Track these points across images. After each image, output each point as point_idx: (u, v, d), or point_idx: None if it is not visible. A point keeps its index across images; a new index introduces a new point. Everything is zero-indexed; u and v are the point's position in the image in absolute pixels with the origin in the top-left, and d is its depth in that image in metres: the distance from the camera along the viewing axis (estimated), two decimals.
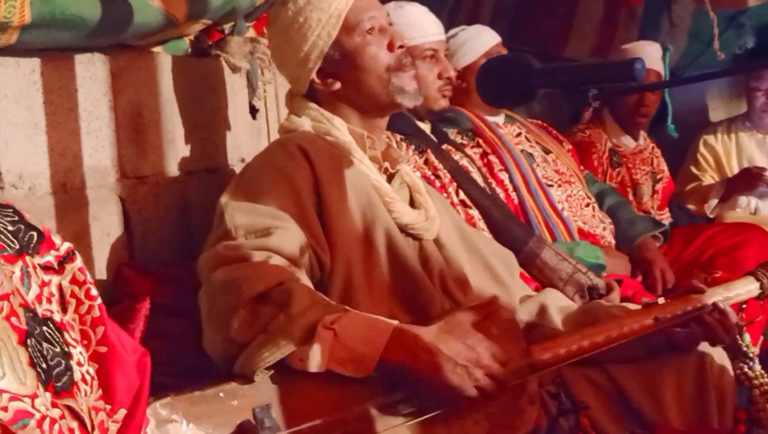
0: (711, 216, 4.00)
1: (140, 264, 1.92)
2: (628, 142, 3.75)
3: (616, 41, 3.93)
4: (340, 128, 1.87)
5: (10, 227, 0.98)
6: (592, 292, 2.26)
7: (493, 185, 2.63)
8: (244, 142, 2.38)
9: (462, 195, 2.44)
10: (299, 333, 1.49)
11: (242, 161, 2.33)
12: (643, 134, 3.80)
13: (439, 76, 2.53)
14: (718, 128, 4.32)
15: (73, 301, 1.03)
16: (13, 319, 0.91)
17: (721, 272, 2.78)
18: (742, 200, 3.97)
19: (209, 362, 1.60)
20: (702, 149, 4.26)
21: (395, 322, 1.57)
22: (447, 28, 2.73)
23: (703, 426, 1.86)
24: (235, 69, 2.24)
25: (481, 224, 2.41)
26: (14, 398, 0.85)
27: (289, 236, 1.68)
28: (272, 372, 1.51)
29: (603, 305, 2.03)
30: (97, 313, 1.04)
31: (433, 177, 2.43)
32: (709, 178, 4.18)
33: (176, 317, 1.79)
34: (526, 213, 2.63)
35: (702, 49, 4.08)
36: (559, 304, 2.05)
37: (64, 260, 1.02)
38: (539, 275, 2.33)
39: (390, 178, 1.93)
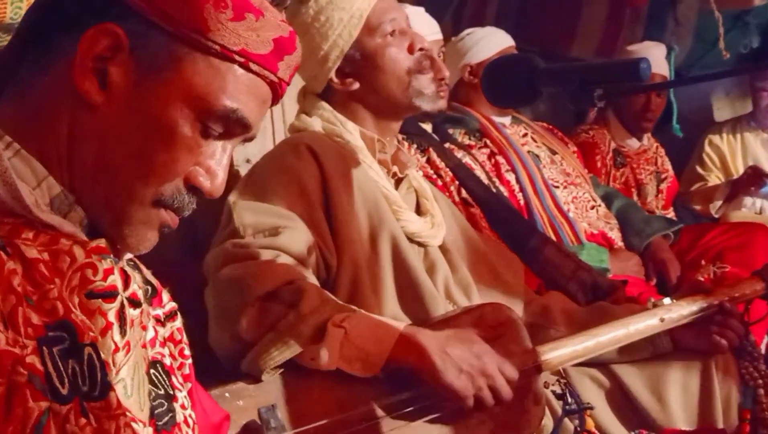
0: (716, 216, 3.98)
1: (144, 263, 1.92)
2: (632, 142, 3.74)
3: (620, 41, 3.92)
4: (353, 132, 1.87)
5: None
6: (596, 290, 2.25)
7: (497, 183, 2.63)
8: (250, 143, 2.37)
9: (464, 193, 2.44)
10: (309, 332, 1.49)
11: (247, 161, 2.33)
12: (647, 134, 3.79)
13: None
14: (723, 128, 4.30)
15: None
16: (144, 351, 0.95)
17: (730, 266, 2.77)
18: (748, 200, 3.95)
19: (214, 361, 1.60)
20: (707, 148, 4.24)
21: (404, 323, 1.58)
22: (451, 29, 2.73)
23: (707, 426, 1.86)
24: None
25: (484, 222, 2.40)
26: (132, 420, 0.87)
27: (297, 236, 1.68)
28: (281, 370, 1.51)
29: (608, 306, 2.03)
30: (187, 371, 1.07)
31: (435, 176, 2.42)
32: (715, 178, 4.17)
33: (180, 316, 1.78)
34: (532, 214, 2.62)
35: (707, 48, 4.06)
36: (562, 306, 2.05)
37: (167, 317, 1.07)
38: (542, 272, 2.32)
39: (398, 182, 1.93)
